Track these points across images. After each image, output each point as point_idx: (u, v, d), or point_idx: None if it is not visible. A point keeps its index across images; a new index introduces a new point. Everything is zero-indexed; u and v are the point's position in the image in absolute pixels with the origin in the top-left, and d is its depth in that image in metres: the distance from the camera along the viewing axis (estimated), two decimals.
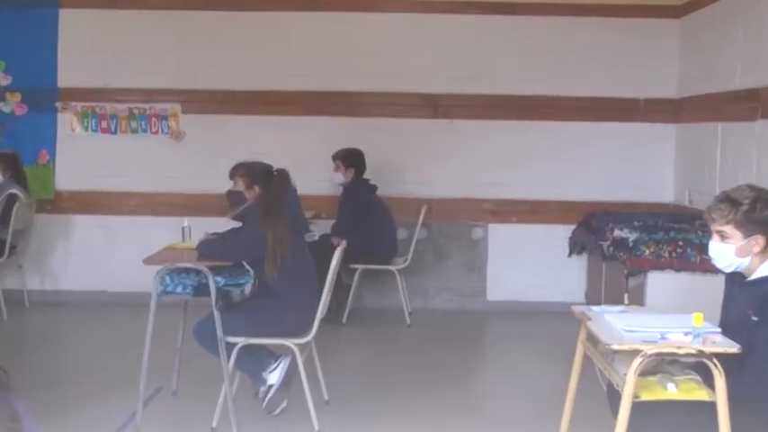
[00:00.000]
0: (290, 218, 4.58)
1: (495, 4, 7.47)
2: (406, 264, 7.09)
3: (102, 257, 7.66)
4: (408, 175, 7.57)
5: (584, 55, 7.49)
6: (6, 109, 7.73)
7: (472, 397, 5.32)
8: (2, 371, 1.33)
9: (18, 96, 7.72)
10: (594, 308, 3.59)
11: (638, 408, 2.96)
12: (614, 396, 3.14)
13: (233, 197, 4.82)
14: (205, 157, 7.53)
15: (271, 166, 4.78)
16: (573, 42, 7.49)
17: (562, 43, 7.50)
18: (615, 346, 2.99)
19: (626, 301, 5.48)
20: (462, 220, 7.64)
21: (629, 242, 5.85)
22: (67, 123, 7.70)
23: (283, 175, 4.73)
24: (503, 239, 7.62)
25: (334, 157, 6.99)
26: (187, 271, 4.50)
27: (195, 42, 7.58)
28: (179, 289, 4.50)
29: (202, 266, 4.40)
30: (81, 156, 7.69)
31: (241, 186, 4.77)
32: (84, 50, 7.64)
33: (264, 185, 4.66)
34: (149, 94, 7.63)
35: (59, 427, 4.50)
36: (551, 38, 7.49)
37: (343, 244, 4.81)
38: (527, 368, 5.92)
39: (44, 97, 7.66)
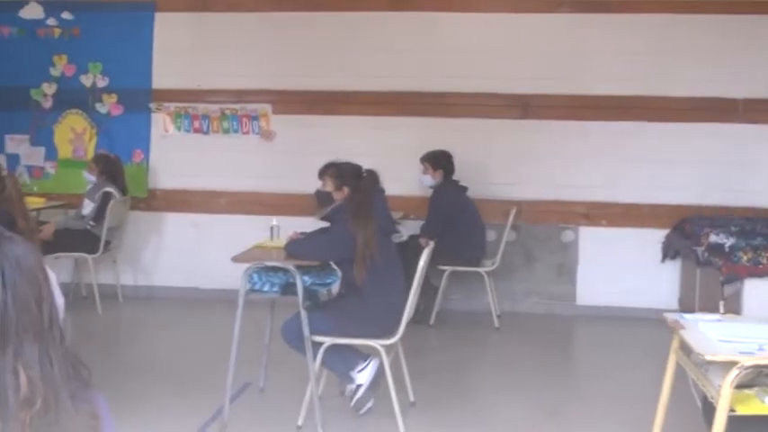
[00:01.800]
0: (378, 219, 4.57)
1: (588, 2, 7.30)
2: (494, 266, 7.00)
3: (192, 255, 7.80)
4: (498, 177, 7.47)
5: (679, 53, 7.27)
6: (103, 110, 7.94)
7: (559, 403, 5.22)
8: (84, 367, 1.34)
9: (114, 97, 7.92)
10: (688, 316, 3.48)
11: (734, 422, 2.84)
12: (709, 409, 3.03)
13: (321, 197, 4.82)
14: (295, 157, 7.59)
15: (360, 167, 4.77)
16: (668, 40, 7.27)
17: (657, 41, 7.29)
18: (709, 357, 2.88)
19: (721, 310, 5.28)
20: (552, 223, 7.51)
21: (726, 248, 5.67)
22: (161, 124, 7.86)
23: (372, 177, 4.71)
24: (593, 243, 7.46)
25: (423, 160, 6.96)
26: (275, 269, 4.53)
27: (286, 43, 7.64)
28: (266, 287, 4.54)
29: (290, 265, 4.43)
30: (174, 155, 7.84)
31: (330, 187, 4.76)
32: (178, 52, 7.79)
33: (354, 186, 4.66)
34: (241, 95, 7.73)
35: (148, 420, 4.58)
36: (646, 36, 7.29)
37: (431, 245, 4.78)
38: (616, 376, 5.77)
39: (139, 98, 7.85)
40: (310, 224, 5.29)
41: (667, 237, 7.16)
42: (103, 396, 1.39)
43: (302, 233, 4.91)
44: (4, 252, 1.20)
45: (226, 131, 7.76)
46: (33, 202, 7.07)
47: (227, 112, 7.75)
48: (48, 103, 8.01)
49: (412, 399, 4.95)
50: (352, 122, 7.56)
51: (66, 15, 7.90)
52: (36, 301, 1.22)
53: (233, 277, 5.09)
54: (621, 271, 7.39)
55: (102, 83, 7.91)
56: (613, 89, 7.31)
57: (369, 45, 7.53)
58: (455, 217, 6.79)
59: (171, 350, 6.24)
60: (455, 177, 7.03)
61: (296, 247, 4.66)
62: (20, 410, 1.18)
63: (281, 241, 4.88)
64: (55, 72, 7.97)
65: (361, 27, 7.55)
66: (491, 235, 7.26)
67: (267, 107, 7.70)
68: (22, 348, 1.19)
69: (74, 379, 1.28)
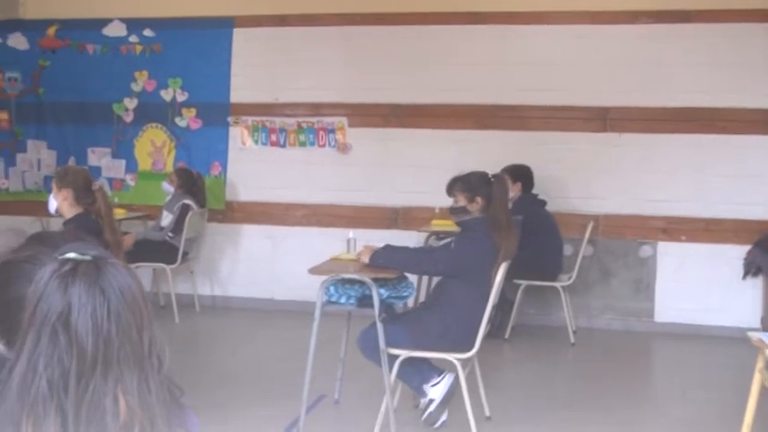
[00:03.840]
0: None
1: (667, 12, 7.15)
2: (570, 281, 6.90)
3: (268, 266, 7.88)
4: (575, 191, 7.37)
5: (763, 63, 7.05)
6: (182, 123, 8.09)
7: (637, 422, 5.10)
8: (177, 388, 1.36)
9: (193, 112, 8.07)
10: None
11: None
12: None
13: (457, 213, 4.71)
14: (371, 170, 7.63)
15: (486, 174, 4.70)
16: (751, 50, 7.06)
17: (739, 51, 7.08)
18: None
19: None
20: (630, 238, 7.37)
21: None
22: (239, 137, 7.97)
23: (501, 182, 4.67)
24: (672, 258, 7.29)
25: (502, 172, 6.90)
26: (351, 282, 4.54)
27: (362, 57, 7.68)
28: (343, 299, 4.55)
29: (366, 278, 4.43)
30: (251, 168, 7.94)
31: (462, 201, 4.65)
32: (256, 67, 7.90)
33: (486, 195, 4.60)
34: (317, 109, 7.79)
35: (223, 430, 4.63)
36: (727, 46, 7.10)
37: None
38: (697, 395, 5.60)
39: (217, 112, 7.97)
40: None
41: (749, 253, 6.96)
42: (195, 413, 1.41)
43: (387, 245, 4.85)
44: (110, 282, 1.22)
45: (302, 144, 7.83)
46: (114, 213, 7.22)
47: (304, 125, 7.82)
48: (129, 118, 8.20)
49: (487, 413, 4.90)
50: (428, 136, 7.55)
51: (147, 33, 8.09)
52: (138, 330, 1.25)
53: (308, 289, 5.14)
54: (701, 288, 7.20)
55: (181, 97, 8.07)
56: (694, 101, 7.15)
57: (445, 58, 7.51)
58: (533, 231, 6.70)
59: (247, 361, 6.29)
60: (536, 191, 6.97)
61: (409, 257, 4.67)
62: None
63: (355, 254, 4.87)
64: (136, 87, 8.16)
65: (438, 40, 7.54)
66: (568, 249, 7.16)
67: (343, 120, 7.74)
68: (123, 375, 1.21)
69: (169, 403, 1.31)
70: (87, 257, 1.24)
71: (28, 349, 1.19)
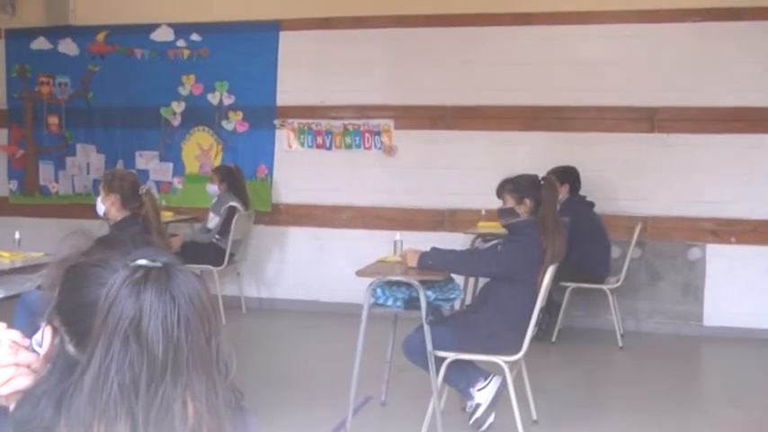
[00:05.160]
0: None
1: (718, 9, 7.03)
2: (618, 284, 6.82)
3: (315, 268, 7.91)
4: (622, 192, 7.29)
5: None
6: (229, 126, 8.16)
7: (687, 427, 5.03)
8: (238, 392, 1.38)
9: (239, 114, 8.13)
10: None
11: None
12: None
13: (505, 215, 4.71)
14: (417, 172, 7.62)
15: (536, 176, 4.71)
16: None
17: None
18: None
19: None
20: (678, 240, 7.28)
21: None
22: (285, 139, 8.01)
23: (551, 184, 4.66)
24: (722, 261, 7.18)
25: (549, 175, 6.85)
26: (398, 284, 4.54)
27: (408, 59, 7.68)
28: (390, 302, 4.56)
29: (414, 280, 4.42)
30: (297, 170, 7.97)
31: (511, 203, 4.65)
32: (302, 69, 7.94)
33: (535, 197, 4.60)
34: (363, 111, 7.80)
35: (270, 431, 4.65)
36: None
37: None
38: (748, 400, 5.51)
39: (263, 115, 8.03)
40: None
41: None
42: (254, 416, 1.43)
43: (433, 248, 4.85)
44: (179, 288, 1.24)
45: (348, 147, 7.85)
46: (162, 215, 7.31)
47: (350, 127, 7.84)
48: (176, 121, 8.29)
49: (535, 417, 4.87)
50: (475, 137, 7.52)
51: (194, 37, 8.17)
52: (206, 337, 1.26)
53: (354, 291, 5.14)
54: (752, 291, 7.09)
55: (228, 100, 8.14)
56: (744, 100, 7.03)
57: (491, 60, 7.47)
58: (581, 233, 6.63)
59: (293, 362, 6.32)
60: (583, 193, 6.91)
61: (465, 260, 4.70)
62: None
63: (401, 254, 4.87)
64: (183, 91, 8.24)
65: (484, 42, 7.51)
66: (615, 251, 7.08)
67: (389, 122, 7.75)
68: (192, 381, 1.23)
69: (234, 408, 1.32)
70: (158, 264, 1.26)
71: (100, 354, 1.21)
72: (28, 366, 1.37)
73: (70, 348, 1.32)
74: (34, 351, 1.42)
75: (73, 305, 1.32)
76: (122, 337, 1.21)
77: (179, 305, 1.23)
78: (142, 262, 1.26)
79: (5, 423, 1.35)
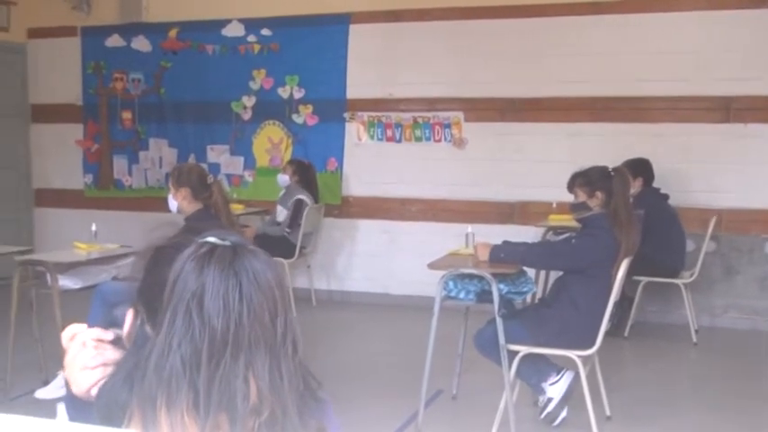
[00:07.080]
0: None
1: None
2: (692, 278, 6.67)
3: (385, 261, 7.93)
4: (696, 184, 7.14)
5: None
6: (299, 120, 8.22)
7: (763, 425, 4.90)
8: (314, 380, 1.38)
9: (310, 108, 8.18)
10: None
11: None
12: None
13: (577, 209, 4.66)
14: (487, 164, 7.58)
15: (606, 168, 4.64)
16: None
17: None
18: None
19: None
20: (755, 233, 7.09)
21: None
22: (354, 132, 8.04)
23: (622, 176, 4.60)
24: None
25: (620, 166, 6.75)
26: (470, 277, 4.53)
27: (477, 51, 7.63)
28: (462, 294, 4.54)
29: (486, 273, 4.40)
30: (367, 163, 8.00)
31: (582, 197, 4.60)
32: (371, 62, 7.95)
33: (607, 189, 4.54)
34: (433, 103, 7.79)
35: (342, 423, 4.66)
36: None
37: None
38: None
39: (333, 108, 8.07)
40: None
41: None
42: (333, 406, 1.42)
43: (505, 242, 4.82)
44: (244, 266, 1.25)
45: (418, 139, 7.84)
46: (233, 208, 7.38)
47: (420, 120, 7.83)
48: (247, 115, 8.38)
49: (608, 413, 4.81)
50: (545, 129, 7.45)
51: (265, 32, 8.25)
52: (270, 316, 1.26)
53: (424, 284, 5.12)
54: None
55: (298, 94, 8.19)
56: None
57: (560, 50, 7.39)
58: (655, 226, 6.51)
59: (364, 354, 6.34)
60: (655, 185, 6.79)
61: (533, 253, 4.66)
62: (247, 417, 1.22)
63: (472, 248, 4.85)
64: (254, 85, 8.33)
65: (553, 32, 7.42)
66: (689, 245, 6.92)
67: (459, 115, 7.71)
68: (254, 359, 1.23)
69: (304, 394, 1.32)
70: (227, 243, 1.27)
71: (165, 326, 1.24)
72: (115, 364, 1.40)
73: (147, 329, 1.35)
74: (119, 344, 1.45)
75: (150, 284, 1.35)
76: (185, 310, 1.22)
77: (240, 282, 1.24)
78: (210, 239, 1.27)
79: (91, 411, 1.37)
